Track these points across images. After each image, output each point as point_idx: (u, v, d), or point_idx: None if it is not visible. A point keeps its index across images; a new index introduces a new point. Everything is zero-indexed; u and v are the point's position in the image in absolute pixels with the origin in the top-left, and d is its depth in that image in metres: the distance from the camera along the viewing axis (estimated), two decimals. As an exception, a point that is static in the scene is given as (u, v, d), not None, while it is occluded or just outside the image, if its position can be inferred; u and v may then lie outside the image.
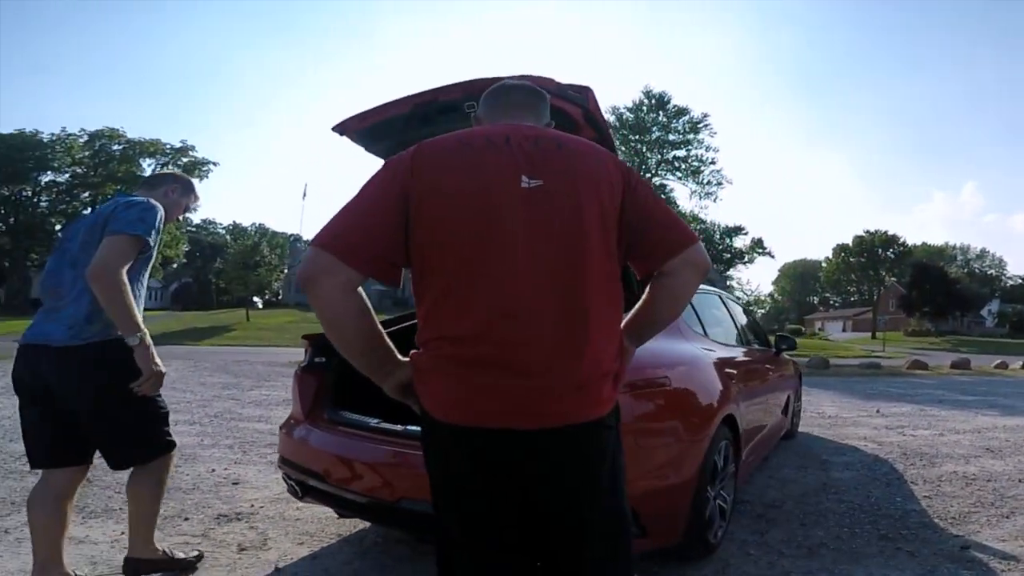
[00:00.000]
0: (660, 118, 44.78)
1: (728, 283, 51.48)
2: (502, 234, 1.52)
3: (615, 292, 1.65)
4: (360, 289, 1.56)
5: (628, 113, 45.34)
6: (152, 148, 50.60)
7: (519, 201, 1.55)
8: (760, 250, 47.85)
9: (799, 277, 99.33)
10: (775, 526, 4.08)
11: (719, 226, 46.14)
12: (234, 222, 78.70)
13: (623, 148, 45.25)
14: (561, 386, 1.52)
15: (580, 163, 1.64)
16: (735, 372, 4.08)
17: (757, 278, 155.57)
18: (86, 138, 49.29)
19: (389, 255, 1.56)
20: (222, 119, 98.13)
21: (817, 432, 7.55)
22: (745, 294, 75.87)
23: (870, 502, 4.56)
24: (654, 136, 44.93)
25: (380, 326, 1.61)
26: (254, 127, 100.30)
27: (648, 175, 44.62)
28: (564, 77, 2.67)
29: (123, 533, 3.43)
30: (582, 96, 2.58)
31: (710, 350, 3.96)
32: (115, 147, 49.85)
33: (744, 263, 48.48)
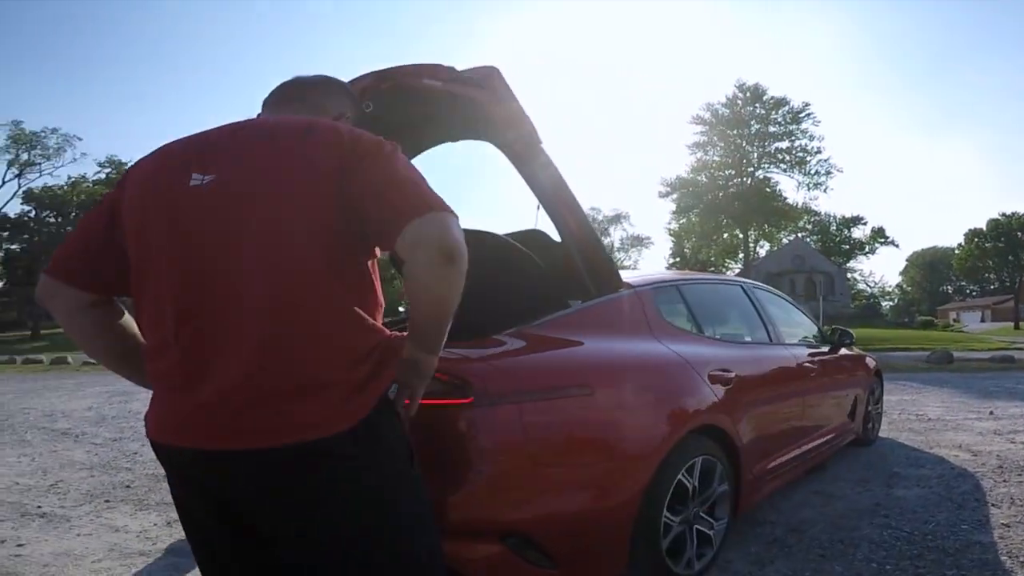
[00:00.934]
0: (757, 111, 42.42)
1: (848, 275, 47.88)
2: (170, 239, 1.35)
3: (339, 287, 1.35)
4: (103, 306, 1.52)
5: (723, 108, 43.23)
6: None
7: (187, 200, 1.35)
8: (882, 239, 44.26)
9: (928, 266, 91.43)
10: (786, 556, 3.23)
11: (835, 217, 43.00)
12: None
13: (721, 144, 43.14)
14: (241, 400, 1.27)
15: (267, 151, 1.38)
16: (734, 376, 3.25)
17: (881, 269, 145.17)
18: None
19: (108, 270, 1.47)
20: None
21: (906, 438, 6.29)
22: (868, 286, 70.50)
23: (925, 529, 3.54)
24: (753, 130, 42.54)
25: (137, 339, 1.50)
26: None
27: (751, 169, 42.30)
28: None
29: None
30: (487, 79, 2.30)
31: (692, 351, 3.15)
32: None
33: (865, 254, 44.95)
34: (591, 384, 2.52)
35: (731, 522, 3.21)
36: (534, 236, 3.28)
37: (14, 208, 49.05)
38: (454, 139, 3.02)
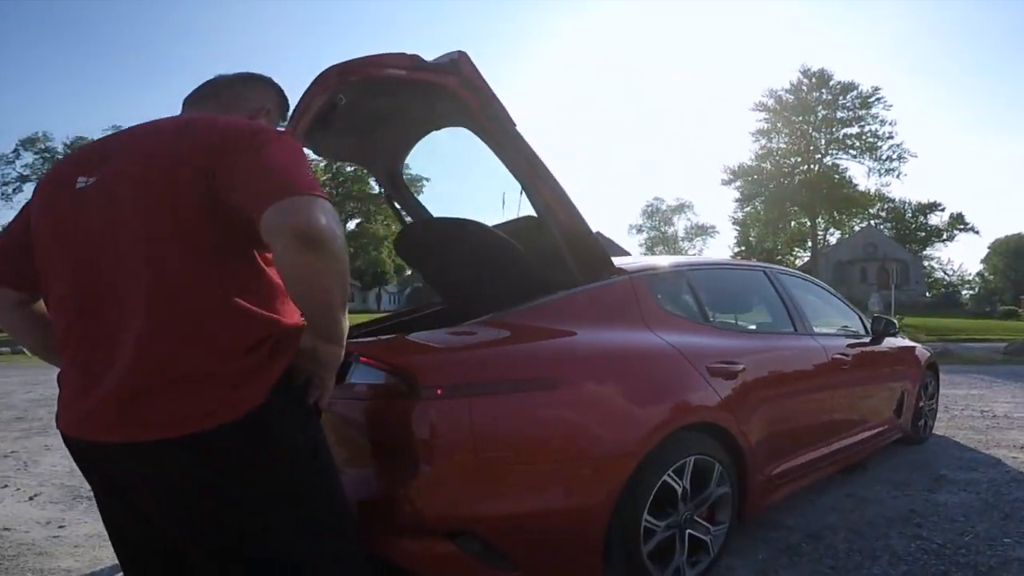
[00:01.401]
0: (824, 96, 40.29)
1: (925, 263, 45.30)
2: (59, 241, 1.40)
3: (214, 281, 1.31)
4: (31, 304, 1.56)
5: (787, 95, 41.24)
6: None
7: (71, 202, 1.39)
8: (961, 226, 41.62)
9: (1013, 253, 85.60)
10: (793, 566, 2.90)
11: (910, 204, 40.65)
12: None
13: (786, 131, 41.30)
14: (125, 394, 1.28)
15: (143, 149, 1.39)
16: (742, 369, 2.92)
17: (961, 257, 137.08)
18: (324, 164, 53.39)
19: (29, 271, 1.48)
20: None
21: (963, 437, 5.67)
22: (947, 274, 66.65)
23: (960, 542, 3.11)
24: (820, 116, 40.49)
25: None
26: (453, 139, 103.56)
27: (818, 156, 40.39)
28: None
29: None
30: (453, 64, 2.19)
31: (691, 342, 2.84)
32: (348, 168, 53.44)
33: (943, 241, 42.39)
34: (554, 378, 2.28)
35: (733, 526, 2.90)
36: (529, 224, 2.99)
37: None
38: (438, 127, 2.90)
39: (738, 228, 52.82)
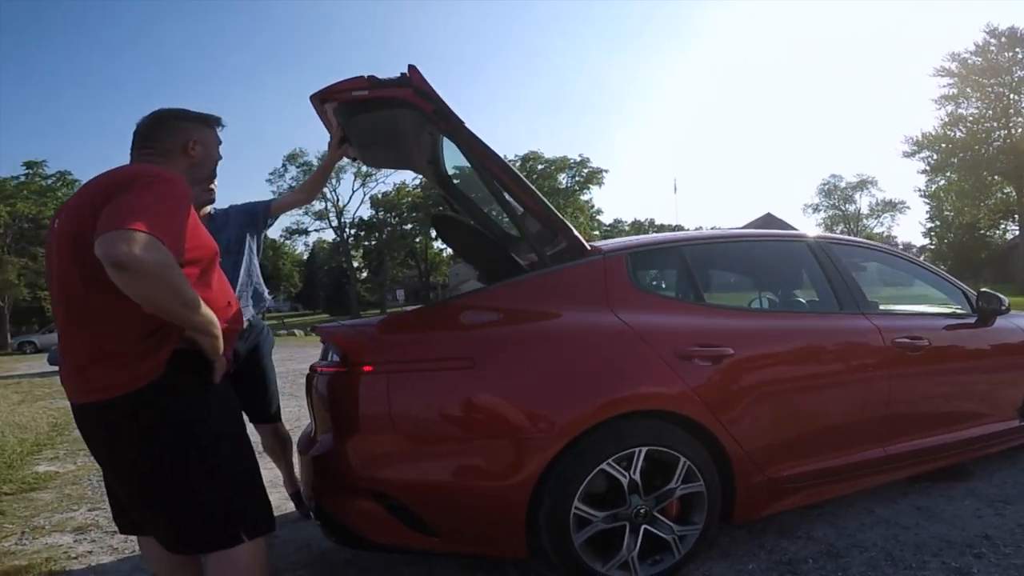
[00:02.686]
0: (1019, 55, 33.15)
1: None
2: (48, 269, 1.81)
3: (102, 296, 1.58)
4: None
5: (973, 57, 34.44)
6: (562, 164, 54.10)
7: (48, 240, 1.79)
8: None
9: None
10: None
11: None
12: (615, 220, 76.84)
13: (976, 96, 34.72)
14: (71, 370, 1.69)
15: (74, 199, 1.73)
16: (731, 354, 2.41)
17: None
18: (519, 161, 54.69)
19: None
20: (595, 126, 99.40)
21: None
22: None
23: None
24: (1017, 76, 33.49)
25: None
26: (623, 129, 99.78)
27: (1019, 119, 33.56)
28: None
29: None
30: (405, 78, 2.22)
31: (664, 323, 2.42)
32: (539, 167, 54.33)
33: None
34: (473, 358, 2.18)
35: (712, 529, 2.40)
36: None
37: (363, 212, 56.55)
38: (430, 132, 2.77)
39: (928, 202, 46.12)
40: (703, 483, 2.31)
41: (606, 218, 66.51)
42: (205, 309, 1.63)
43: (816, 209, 61.50)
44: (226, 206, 3.05)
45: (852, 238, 3.59)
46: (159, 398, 1.64)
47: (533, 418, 2.16)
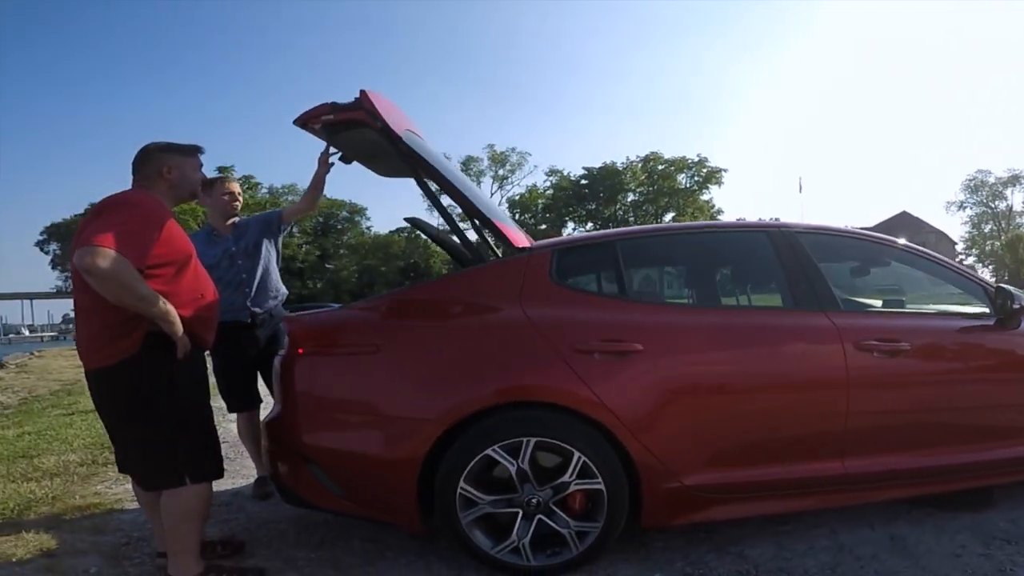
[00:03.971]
0: None
1: None
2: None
3: (92, 295, 1.99)
4: None
5: None
6: (681, 164, 52.20)
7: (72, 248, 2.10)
8: None
9: None
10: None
11: None
12: (737, 220, 72.11)
13: None
14: (78, 346, 2.18)
15: (84, 217, 2.16)
16: (639, 349, 2.22)
17: None
18: (640, 162, 53.41)
19: None
20: (715, 125, 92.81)
21: None
22: None
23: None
24: None
25: None
26: (744, 128, 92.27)
27: None
28: None
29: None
30: (358, 101, 2.36)
31: (572, 317, 2.30)
32: (660, 167, 52.81)
33: None
34: (379, 345, 2.30)
35: (615, 530, 2.22)
36: None
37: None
38: (386, 153, 2.77)
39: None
40: (601, 481, 2.14)
41: (728, 219, 62.62)
42: (161, 303, 2.01)
43: (961, 206, 54.38)
44: (248, 217, 3.37)
45: (850, 229, 3.02)
46: (131, 369, 2.05)
47: (421, 401, 2.21)
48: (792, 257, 2.54)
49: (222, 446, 2.34)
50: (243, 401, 3.24)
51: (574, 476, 2.13)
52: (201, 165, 2.39)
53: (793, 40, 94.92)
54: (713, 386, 2.29)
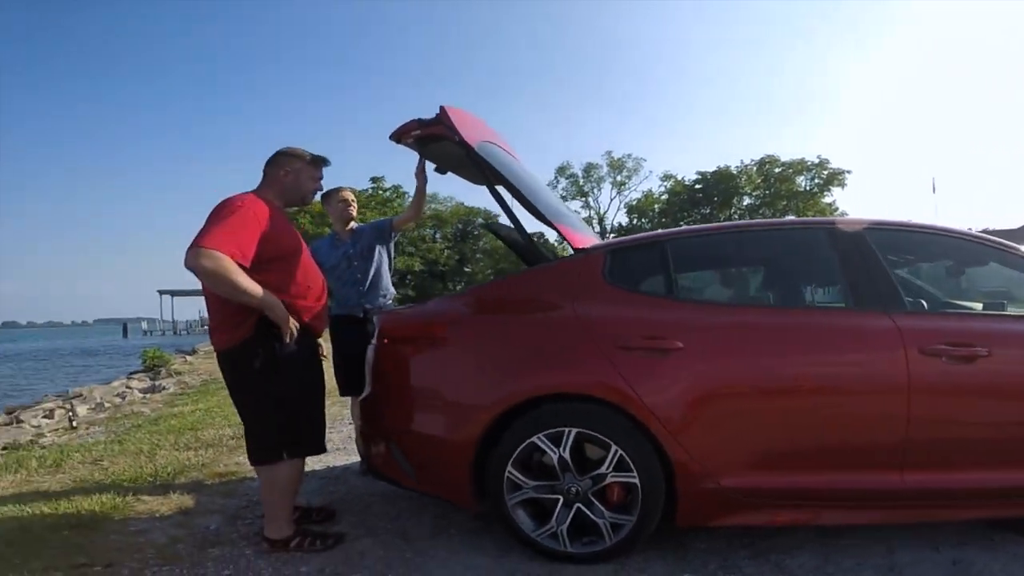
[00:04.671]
0: None
1: None
2: None
3: None
4: None
5: None
6: (800, 166, 48.49)
7: None
8: None
9: None
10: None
11: None
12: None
13: None
14: (209, 331, 2.41)
15: None
16: (679, 347, 2.19)
17: None
18: (755, 165, 50.30)
19: None
20: (837, 125, 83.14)
21: None
22: None
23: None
24: None
25: None
26: (869, 127, 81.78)
27: None
28: None
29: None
30: (437, 116, 2.52)
31: (617, 315, 2.31)
32: (776, 170, 49.42)
33: None
34: (444, 337, 2.44)
35: (649, 525, 2.20)
36: None
37: (619, 219, 56.61)
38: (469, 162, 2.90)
39: None
40: (636, 475, 2.15)
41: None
42: (265, 294, 2.18)
43: None
44: (365, 223, 3.68)
45: (938, 226, 2.65)
46: (244, 351, 2.27)
47: (478, 390, 2.32)
48: (854, 255, 2.36)
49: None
50: (352, 386, 3.47)
51: (611, 468, 2.16)
52: (320, 176, 2.56)
53: (925, 33, 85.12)
54: (756, 387, 2.20)
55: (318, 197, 2.77)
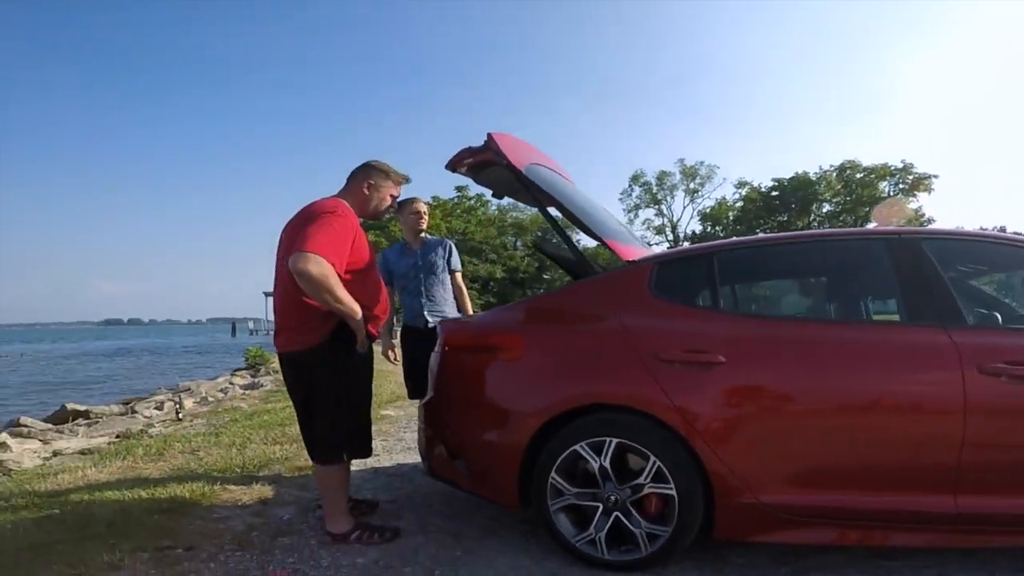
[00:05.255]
0: None
1: None
2: (276, 265, 2.43)
3: (299, 291, 2.22)
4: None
5: None
6: (883, 172, 45.12)
7: (279, 249, 2.40)
8: None
9: None
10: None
11: None
12: (956, 228, 58.26)
13: None
14: (275, 331, 2.44)
15: (291, 220, 2.37)
16: (721, 361, 2.12)
17: None
18: (835, 171, 47.37)
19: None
20: (921, 129, 75.69)
21: None
22: None
23: None
24: None
25: None
26: (955, 131, 73.86)
27: None
28: None
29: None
30: (486, 144, 2.53)
31: (658, 327, 2.26)
32: (857, 175, 46.31)
33: None
34: (499, 345, 2.47)
35: (686, 537, 2.13)
36: None
37: (692, 227, 55.26)
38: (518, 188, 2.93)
39: None
40: (674, 487, 2.10)
41: (937, 228, 51.28)
42: (351, 303, 2.21)
43: None
44: (433, 237, 3.73)
45: (1005, 235, 2.45)
46: (313, 357, 2.31)
47: (526, 397, 2.34)
48: (911, 267, 2.20)
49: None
50: (419, 391, 3.57)
51: (648, 479, 2.12)
52: (397, 195, 2.61)
53: (1009, 41, 77.23)
54: (799, 404, 2.09)
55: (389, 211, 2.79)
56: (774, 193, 49.17)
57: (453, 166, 2.73)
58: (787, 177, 48.47)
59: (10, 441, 6.37)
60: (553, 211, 2.69)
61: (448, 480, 2.56)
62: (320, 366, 2.31)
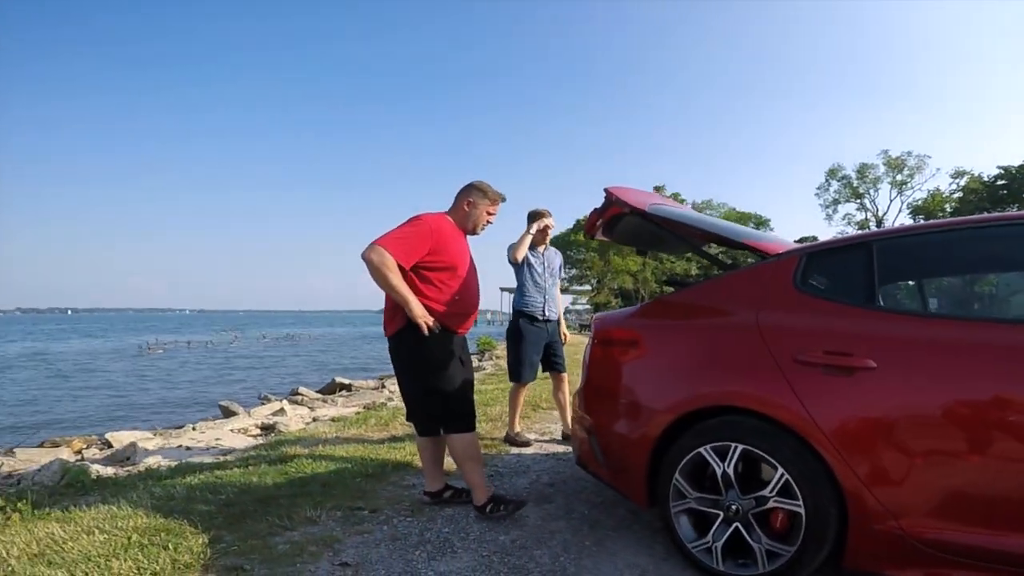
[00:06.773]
0: None
1: None
2: None
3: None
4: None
5: None
6: None
7: None
8: None
9: None
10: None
11: None
12: None
13: None
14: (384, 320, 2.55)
15: None
16: (870, 366, 1.75)
17: None
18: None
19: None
20: None
21: None
22: None
23: None
24: None
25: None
26: None
27: None
28: None
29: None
30: (607, 200, 2.53)
31: (799, 325, 1.92)
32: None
33: None
34: (636, 340, 2.31)
35: (808, 558, 1.79)
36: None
37: (901, 221, 46.64)
38: (653, 232, 2.76)
39: None
40: (802, 504, 1.77)
41: None
42: (405, 291, 2.29)
43: None
44: (553, 250, 4.12)
45: None
46: (401, 339, 2.42)
47: (657, 394, 2.16)
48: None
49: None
50: (534, 371, 3.92)
51: (774, 492, 1.83)
52: (494, 213, 2.61)
53: None
54: (964, 421, 1.61)
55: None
56: (1000, 182, 38.51)
57: (590, 231, 2.68)
58: (1016, 164, 37.68)
59: (287, 407, 7.83)
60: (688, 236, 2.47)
61: (591, 471, 2.46)
62: (405, 347, 2.42)
